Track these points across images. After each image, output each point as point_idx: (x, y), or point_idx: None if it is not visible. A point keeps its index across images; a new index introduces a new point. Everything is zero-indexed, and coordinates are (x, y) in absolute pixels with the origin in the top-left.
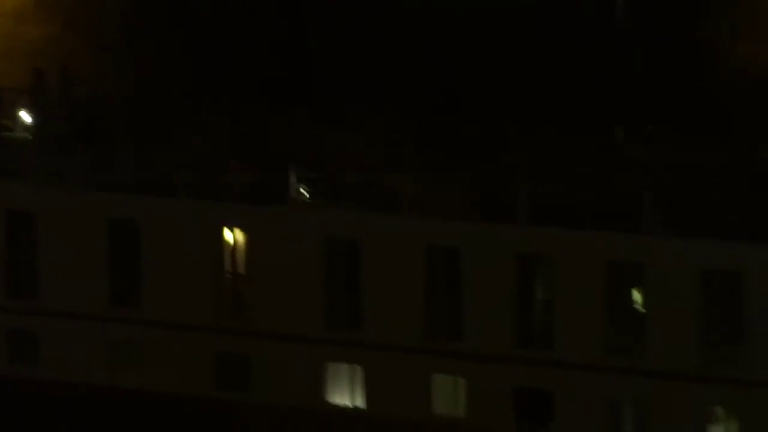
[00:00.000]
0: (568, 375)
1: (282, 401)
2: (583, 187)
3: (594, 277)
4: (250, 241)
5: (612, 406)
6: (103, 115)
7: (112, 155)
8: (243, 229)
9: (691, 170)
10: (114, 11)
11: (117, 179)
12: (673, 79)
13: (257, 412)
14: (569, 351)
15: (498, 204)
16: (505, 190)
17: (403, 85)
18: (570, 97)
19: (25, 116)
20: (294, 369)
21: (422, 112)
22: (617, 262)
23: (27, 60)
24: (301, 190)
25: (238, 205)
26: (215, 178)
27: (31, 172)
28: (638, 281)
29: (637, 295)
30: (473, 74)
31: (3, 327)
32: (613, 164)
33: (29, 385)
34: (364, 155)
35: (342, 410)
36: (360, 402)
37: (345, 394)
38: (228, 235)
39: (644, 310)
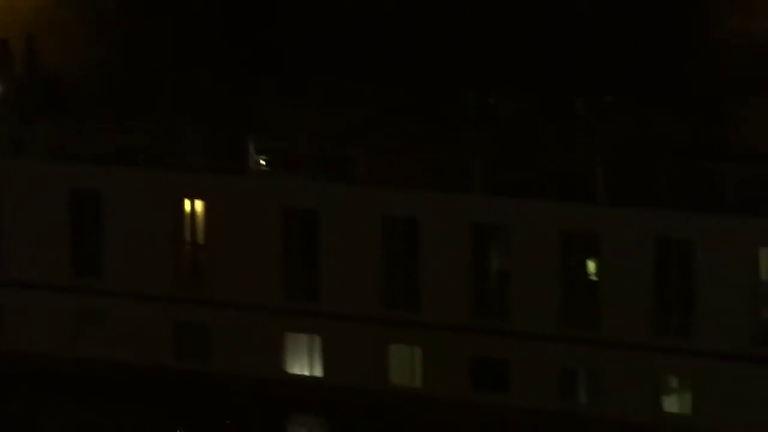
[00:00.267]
0: (523, 344)
1: (241, 371)
2: (538, 157)
3: (549, 247)
4: (210, 211)
5: (567, 375)
6: (70, 87)
7: (75, 126)
8: (202, 198)
9: (646, 141)
10: None
11: (79, 150)
12: (637, 50)
13: (217, 381)
14: (524, 321)
15: (455, 174)
16: (461, 160)
17: (368, 55)
18: (531, 67)
19: None
20: (253, 339)
21: (385, 82)
22: (571, 231)
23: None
24: (260, 160)
25: (198, 175)
26: (176, 149)
27: None
28: (592, 251)
29: (591, 265)
30: (435, 44)
31: None
32: (570, 134)
33: None
34: (325, 125)
35: (300, 380)
36: (318, 372)
37: (304, 364)
38: (188, 204)
39: (598, 280)
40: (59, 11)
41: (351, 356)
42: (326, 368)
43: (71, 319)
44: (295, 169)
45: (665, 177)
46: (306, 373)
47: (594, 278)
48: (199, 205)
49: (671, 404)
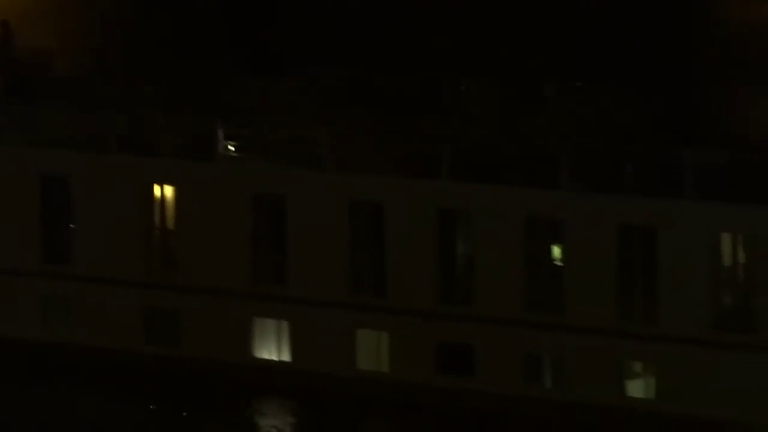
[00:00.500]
0: (488, 330)
1: (210, 356)
2: (505, 142)
3: (514, 233)
4: (179, 196)
5: (532, 360)
6: (45, 71)
7: (47, 111)
8: (172, 184)
9: (611, 126)
10: None
11: (50, 135)
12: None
13: (186, 366)
14: (490, 306)
15: (422, 159)
16: (429, 145)
17: (339, 39)
18: (501, 51)
19: None
20: (221, 324)
21: (353, 66)
22: (536, 217)
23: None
24: (229, 146)
25: (167, 161)
26: (146, 135)
27: None
28: (557, 237)
29: (556, 251)
30: (407, 30)
31: None
32: (537, 119)
33: None
34: (294, 110)
35: (269, 364)
36: (286, 356)
37: (272, 349)
38: (157, 190)
39: (563, 266)
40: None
41: (318, 341)
42: (294, 353)
43: (41, 304)
44: (264, 155)
45: (629, 163)
46: (274, 357)
47: (559, 264)
48: (168, 191)
49: (635, 389)
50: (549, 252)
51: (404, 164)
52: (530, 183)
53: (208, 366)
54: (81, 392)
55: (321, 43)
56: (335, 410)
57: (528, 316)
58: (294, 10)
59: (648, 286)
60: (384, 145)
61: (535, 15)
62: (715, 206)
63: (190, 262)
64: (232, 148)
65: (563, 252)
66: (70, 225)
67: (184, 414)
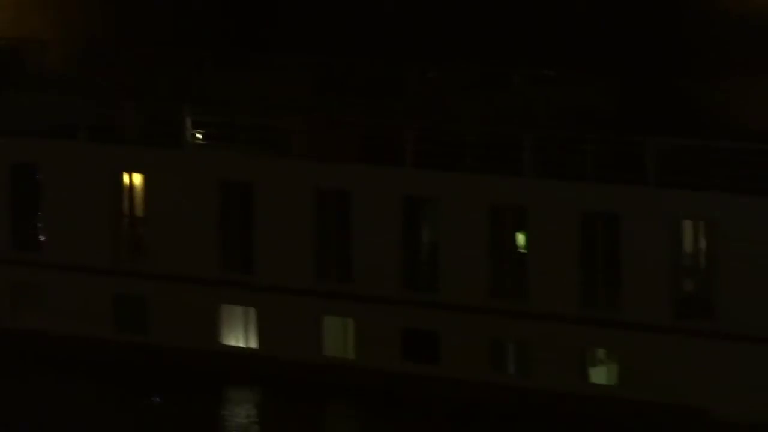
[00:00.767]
0: (453, 316)
1: (178, 343)
2: (469, 130)
3: (478, 220)
4: (147, 184)
5: (496, 347)
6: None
7: (20, 99)
8: (140, 172)
9: (577, 114)
10: None
11: (20, 124)
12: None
13: (155, 353)
14: (455, 293)
15: (388, 146)
16: (394, 132)
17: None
18: (470, 38)
19: None
20: (189, 311)
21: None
22: (500, 204)
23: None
24: (197, 133)
25: (136, 148)
26: (115, 122)
27: None
28: (521, 224)
29: (521, 238)
30: (373, 17)
31: None
32: (505, 107)
33: None
34: (262, 99)
35: (236, 351)
36: (254, 343)
37: (239, 336)
38: (126, 178)
39: (527, 253)
40: None
41: (285, 328)
42: (261, 340)
43: (10, 292)
44: (232, 143)
45: (591, 150)
46: (242, 344)
47: (523, 251)
48: (137, 178)
49: (598, 376)
50: (513, 239)
51: (370, 152)
52: (495, 170)
53: (176, 353)
54: (51, 380)
55: (294, 31)
56: (302, 397)
57: (492, 303)
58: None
59: (611, 274)
60: (350, 133)
61: (510, 1)
62: (676, 193)
63: (159, 250)
64: (200, 136)
65: (527, 239)
66: (40, 213)
67: (157, 400)
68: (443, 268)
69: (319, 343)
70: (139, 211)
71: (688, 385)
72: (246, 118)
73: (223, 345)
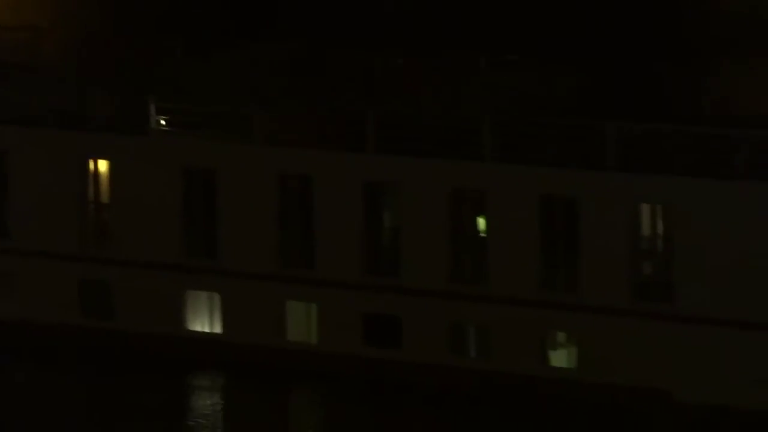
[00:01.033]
0: (414, 301)
1: (143, 329)
2: (431, 115)
3: (439, 205)
4: (113, 170)
5: (457, 331)
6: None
7: None
8: (106, 158)
9: (539, 99)
10: None
11: None
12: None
13: (120, 339)
14: (416, 277)
15: (349, 132)
16: (355, 117)
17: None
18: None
19: None
20: (154, 296)
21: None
22: (461, 189)
23: None
24: (161, 120)
25: (101, 135)
26: (81, 109)
27: None
28: (482, 208)
29: (481, 222)
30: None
31: None
32: (465, 92)
33: None
34: (226, 86)
35: (201, 337)
36: (218, 329)
37: (204, 321)
38: (92, 164)
39: (487, 237)
40: None
41: (249, 313)
42: (225, 325)
43: None
44: (195, 129)
45: (551, 135)
46: (206, 330)
47: (483, 235)
48: (103, 165)
49: (558, 359)
50: (474, 223)
51: (332, 137)
52: (455, 155)
53: (142, 339)
54: (18, 367)
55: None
56: (266, 381)
57: (453, 287)
58: None
59: (570, 257)
60: (312, 119)
61: None
62: (634, 177)
63: (124, 236)
64: (164, 122)
65: (487, 223)
66: (6, 200)
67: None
68: (404, 252)
69: (283, 328)
70: (105, 197)
71: (649, 367)
72: (208, 106)
73: (188, 330)
